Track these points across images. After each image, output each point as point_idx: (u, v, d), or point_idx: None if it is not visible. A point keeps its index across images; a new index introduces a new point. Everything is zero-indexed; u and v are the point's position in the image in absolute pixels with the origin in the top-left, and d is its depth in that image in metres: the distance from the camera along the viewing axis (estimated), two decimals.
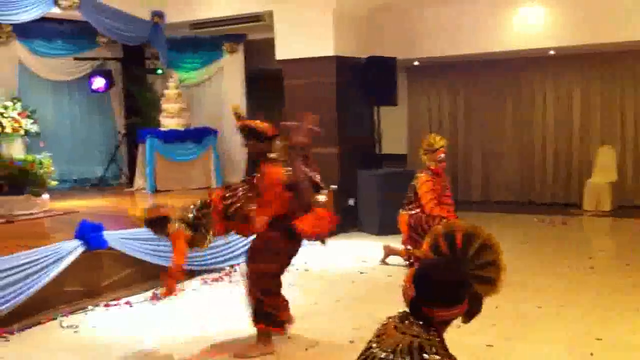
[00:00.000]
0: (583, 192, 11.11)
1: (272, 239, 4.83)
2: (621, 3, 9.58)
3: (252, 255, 4.94)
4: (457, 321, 2.57)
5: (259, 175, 4.86)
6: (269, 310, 4.88)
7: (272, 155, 4.84)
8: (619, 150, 11.22)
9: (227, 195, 4.94)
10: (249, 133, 4.92)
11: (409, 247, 7.44)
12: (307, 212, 4.78)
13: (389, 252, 7.76)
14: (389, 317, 2.56)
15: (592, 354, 4.69)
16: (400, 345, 2.38)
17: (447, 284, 2.49)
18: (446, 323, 2.52)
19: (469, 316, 2.60)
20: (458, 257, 2.65)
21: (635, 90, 11.12)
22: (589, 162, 11.41)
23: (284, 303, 5.03)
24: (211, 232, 5.01)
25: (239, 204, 4.87)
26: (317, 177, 4.91)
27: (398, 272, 7.30)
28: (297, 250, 5.01)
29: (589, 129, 11.51)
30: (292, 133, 4.89)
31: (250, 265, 4.92)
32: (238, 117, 5.06)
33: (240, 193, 4.92)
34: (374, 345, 2.48)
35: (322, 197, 4.87)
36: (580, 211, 10.89)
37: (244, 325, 5.52)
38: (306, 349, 5.00)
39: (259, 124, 4.92)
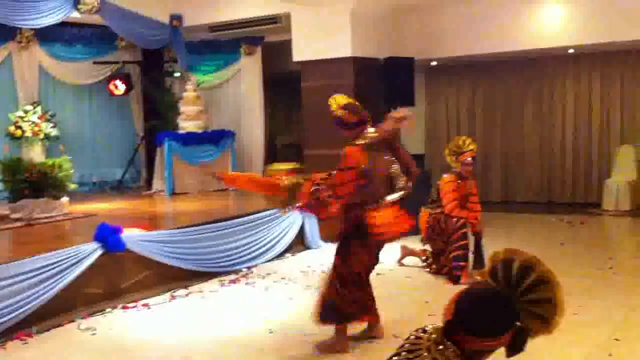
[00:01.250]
0: (602, 191, 11.02)
1: (345, 238, 4.97)
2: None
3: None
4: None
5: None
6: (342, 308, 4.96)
7: (357, 140, 4.90)
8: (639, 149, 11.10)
9: (320, 179, 4.99)
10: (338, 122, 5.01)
11: (426, 247, 7.44)
12: (378, 206, 4.82)
13: (405, 252, 7.74)
14: (425, 331, 2.47)
15: (610, 355, 4.66)
16: None
17: (487, 315, 2.39)
18: (480, 353, 2.41)
19: (511, 351, 2.45)
20: (511, 287, 2.50)
21: None
22: (609, 162, 11.31)
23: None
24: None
25: (320, 188, 4.90)
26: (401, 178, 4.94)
27: (416, 273, 7.29)
28: (373, 247, 5.03)
29: (609, 128, 11.42)
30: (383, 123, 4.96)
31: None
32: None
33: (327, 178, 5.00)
34: None
35: (391, 197, 4.95)
36: (600, 211, 10.80)
37: (260, 326, 5.56)
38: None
39: (346, 113, 4.98)
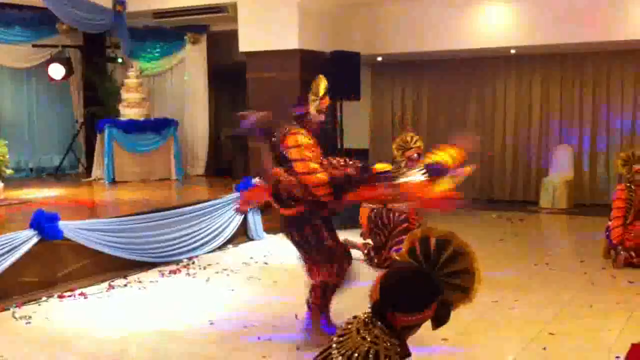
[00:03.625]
0: (540, 190, 11.27)
1: None
2: (581, 5, 9.72)
3: None
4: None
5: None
6: None
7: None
8: (576, 149, 11.39)
9: None
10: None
11: (367, 240, 7.48)
12: None
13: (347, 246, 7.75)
14: (355, 316, 2.56)
15: (545, 349, 4.76)
16: (358, 351, 2.40)
17: (410, 291, 2.49)
18: (409, 328, 2.51)
19: (437, 323, 2.59)
20: (431, 263, 2.61)
21: (593, 90, 11.26)
22: (547, 161, 11.57)
23: None
24: None
25: None
26: None
27: (358, 266, 7.31)
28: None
29: (548, 127, 11.67)
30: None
31: None
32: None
33: None
34: (334, 345, 2.49)
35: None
36: (537, 208, 11.05)
37: (201, 317, 5.51)
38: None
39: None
